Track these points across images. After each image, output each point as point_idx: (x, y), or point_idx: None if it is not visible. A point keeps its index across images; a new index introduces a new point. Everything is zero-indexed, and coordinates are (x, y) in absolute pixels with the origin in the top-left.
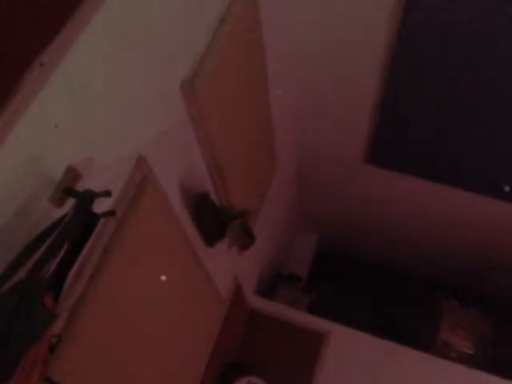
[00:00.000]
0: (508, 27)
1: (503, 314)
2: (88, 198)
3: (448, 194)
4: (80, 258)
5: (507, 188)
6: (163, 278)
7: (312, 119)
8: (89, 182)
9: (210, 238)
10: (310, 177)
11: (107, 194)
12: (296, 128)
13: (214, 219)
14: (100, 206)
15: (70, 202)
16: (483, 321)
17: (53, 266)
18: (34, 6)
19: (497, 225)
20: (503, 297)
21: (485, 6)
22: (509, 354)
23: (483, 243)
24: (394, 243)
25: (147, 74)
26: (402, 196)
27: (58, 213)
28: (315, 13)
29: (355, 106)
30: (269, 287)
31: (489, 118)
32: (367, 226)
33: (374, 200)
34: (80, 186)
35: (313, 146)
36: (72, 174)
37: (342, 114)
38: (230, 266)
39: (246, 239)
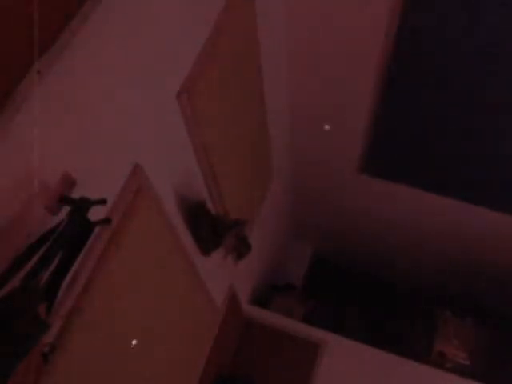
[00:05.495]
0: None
1: (499, 324)
2: (83, 205)
3: (445, 204)
4: (75, 266)
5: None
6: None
7: (308, 129)
8: (84, 190)
9: (206, 247)
10: (305, 186)
11: (103, 201)
12: (292, 138)
13: (209, 228)
14: (96, 214)
15: (66, 210)
16: (479, 331)
17: (47, 273)
18: (32, 14)
19: (495, 236)
20: (499, 307)
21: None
22: (505, 364)
23: (480, 254)
24: (390, 254)
25: (144, 82)
26: (397, 206)
27: (54, 220)
28: (313, 20)
29: (351, 116)
30: (264, 297)
31: (488, 129)
32: (362, 237)
33: (369, 210)
34: (76, 194)
35: (308, 156)
36: (68, 181)
37: (338, 123)
38: (225, 275)
39: (242, 248)
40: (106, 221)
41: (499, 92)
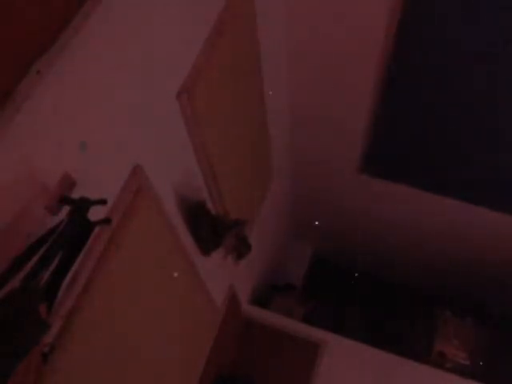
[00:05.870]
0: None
1: (499, 324)
2: (83, 205)
3: (445, 204)
4: (75, 266)
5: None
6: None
7: (308, 129)
8: (84, 190)
9: (206, 247)
10: (305, 186)
11: (103, 201)
12: (292, 138)
13: (209, 228)
14: (96, 214)
15: (66, 210)
16: (479, 331)
17: (47, 273)
18: (31, 14)
19: (495, 236)
20: (500, 307)
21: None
22: (504, 364)
23: (480, 254)
24: (390, 254)
25: (144, 82)
26: (397, 206)
27: (54, 220)
28: (313, 20)
29: (351, 116)
30: (264, 297)
31: (488, 129)
32: (362, 237)
33: (369, 210)
34: (76, 194)
35: (308, 156)
36: (68, 181)
37: (338, 123)
38: (225, 275)
39: (242, 248)
40: (106, 221)
41: (499, 92)
